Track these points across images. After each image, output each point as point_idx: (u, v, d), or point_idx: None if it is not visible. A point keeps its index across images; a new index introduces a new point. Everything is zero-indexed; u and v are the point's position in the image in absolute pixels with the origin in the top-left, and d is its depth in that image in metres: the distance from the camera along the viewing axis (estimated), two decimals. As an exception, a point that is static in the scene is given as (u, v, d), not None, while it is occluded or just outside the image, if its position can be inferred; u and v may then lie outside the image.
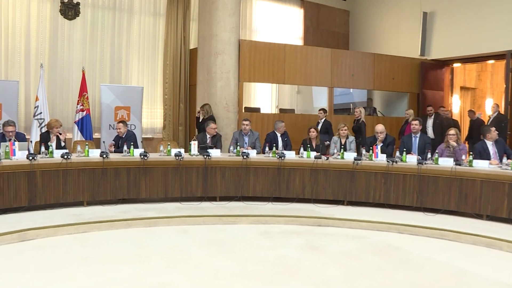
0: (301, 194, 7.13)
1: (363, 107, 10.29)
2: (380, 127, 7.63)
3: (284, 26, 12.82)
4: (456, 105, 12.97)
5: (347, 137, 7.83)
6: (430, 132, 9.76)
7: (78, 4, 9.95)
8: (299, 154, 7.43)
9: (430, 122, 9.92)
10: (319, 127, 9.08)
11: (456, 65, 12.23)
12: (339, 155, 7.29)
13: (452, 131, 7.14)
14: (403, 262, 4.88)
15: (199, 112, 9.02)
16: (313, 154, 7.24)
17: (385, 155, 7.14)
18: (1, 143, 6.35)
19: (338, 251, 5.20)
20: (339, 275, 4.44)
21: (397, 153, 7.05)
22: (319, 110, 9.49)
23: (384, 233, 5.96)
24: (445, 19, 11.34)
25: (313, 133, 7.86)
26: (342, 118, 10.27)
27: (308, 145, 7.52)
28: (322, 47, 11.26)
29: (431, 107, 10.11)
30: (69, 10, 9.87)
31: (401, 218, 6.28)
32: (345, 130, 7.83)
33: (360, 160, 6.98)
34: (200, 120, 8.93)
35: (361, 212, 6.65)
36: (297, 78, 10.30)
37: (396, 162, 6.83)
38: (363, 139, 8.50)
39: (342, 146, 7.54)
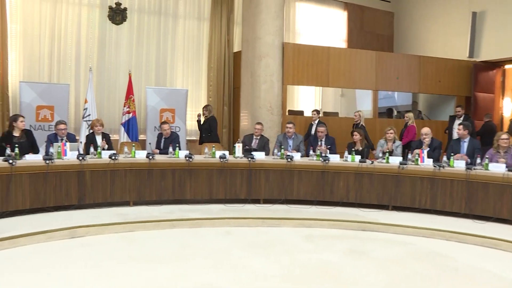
0: (345, 198, 7.05)
1: (410, 111, 10.04)
2: (425, 129, 7.45)
3: (328, 29, 12.75)
4: (507, 108, 12.47)
5: (394, 141, 7.68)
6: (456, 134, 9.30)
7: (125, 9, 10.24)
8: (343, 157, 7.34)
9: (457, 124, 9.22)
10: (312, 129, 8.95)
11: (508, 66, 11.75)
12: (384, 159, 7.18)
13: (504, 135, 6.88)
14: (450, 271, 4.73)
15: (199, 115, 9.09)
16: (358, 157, 7.15)
17: (431, 159, 6.97)
18: (54, 143, 6.60)
19: (382, 257, 5.10)
20: (382, 281, 4.36)
21: (444, 158, 6.87)
22: (312, 111, 9.36)
23: (430, 240, 5.80)
24: (496, 19, 10.94)
25: (356, 137, 7.75)
26: (387, 122, 10.12)
27: (353, 149, 7.43)
28: (366, 49, 11.12)
29: (459, 108, 9.64)
30: (117, 15, 10.17)
31: (448, 225, 6.09)
32: (391, 133, 7.67)
33: (405, 164, 6.84)
34: (202, 122, 8.96)
35: (406, 217, 6.51)
36: (341, 81, 10.22)
37: (443, 167, 6.65)
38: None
39: (387, 151, 7.41)
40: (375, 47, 12.48)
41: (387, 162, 7.08)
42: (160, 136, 7.91)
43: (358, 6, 13.10)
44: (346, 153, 7.32)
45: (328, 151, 7.62)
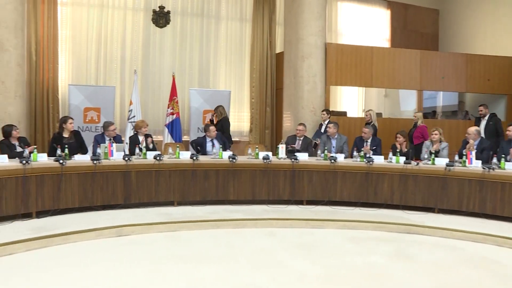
0: (389, 200, 6.93)
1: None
2: (470, 129, 7.23)
3: (371, 28, 12.58)
4: None
5: (440, 142, 7.47)
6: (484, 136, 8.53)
7: (168, 12, 10.43)
8: (387, 159, 7.22)
9: (482, 125, 8.74)
10: (322, 129, 8.68)
11: None
12: (429, 160, 7.01)
13: None
14: (505, 278, 4.53)
15: (212, 115, 9.10)
16: (402, 159, 7.02)
17: (480, 161, 6.75)
18: (101, 144, 6.78)
19: (429, 261, 4.97)
20: (430, 286, 4.24)
21: (494, 159, 6.62)
22: (322, 111, 9.00)
23: (479, 245, 5.58)
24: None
25: (399, 139, 7.59)
26: (432, 122, 9.88)
27: (398, 150, 7.29)
28: (410, 48, 10.91)
29: (482, 107, 8.90)
30: (160, 19, 10.38)
31: (499, 230, 5.84)
32: (436, 134, 7.47)
33: (452, 166, 6.65)
34: (215, 123, 8.94)
35: (453, 220, 6.31)
36: (385, 81, 10.09)
37: (493, 169, 6.41)
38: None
39: (433, 152, 7.23)
40: (419, 46, 12.22)
41: (433, 163, 6.92)
42: (204, 139, 7.90)
43: (401, 4, 12.86)
44: (390, 155, 7.20)
45: (371, 151, 7.51)
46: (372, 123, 8.84)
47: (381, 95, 12.19)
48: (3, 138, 6.56)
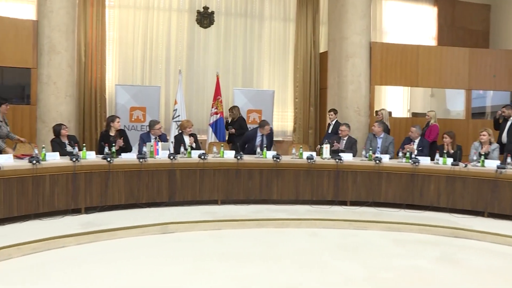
0: (435, 202, 6.76)
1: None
2: None
3: (416, 26, 12.28)
4: None
5: (490, 143, 7.22)
6: (505, 137, 8.06)
7: (212, 13, 10.55)
8: (434, 160, 7.05)
9: (507, 126, 8.10)
10: (330, 130, 8.55)
11: None
12: (479, 162, 6.79)
13: None
14: None
15: (227, 116, 9.14)
16: (450, 160, 6.83)
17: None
18: (147, 142, 6.92)
19: (478, 267, 4.81)
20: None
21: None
22: (329, 111, 8.83)
23: (536, 253, 5.34)
24: None
25: (446, 139, 7.39)
26: (481, 123, 9.57)
27: (445, 152, 7.10)
28: (457, 46, 10.59)
29: (505, 108, 8.33)
30: (205, 19, 10.50)
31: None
32: (484, 135, 7.22)
33: (504, 168, 6.41)
34: (229, 122, 9.00)
35: (505, 225, 6.07)
36: (431, 81, 9.86)
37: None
38: None
39: (483, 153, 7.00)
40: (468, 43, 11.83)
41: (483, 165, 6.70)
42: (255, 132, 7.92)
43: (448, 1, 12.49)
44: (437, 156, 7.02)
45: (415, 150, 7.35)
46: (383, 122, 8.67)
47: (427, 95, 11.91)
48: (54, 136, 6.81)
